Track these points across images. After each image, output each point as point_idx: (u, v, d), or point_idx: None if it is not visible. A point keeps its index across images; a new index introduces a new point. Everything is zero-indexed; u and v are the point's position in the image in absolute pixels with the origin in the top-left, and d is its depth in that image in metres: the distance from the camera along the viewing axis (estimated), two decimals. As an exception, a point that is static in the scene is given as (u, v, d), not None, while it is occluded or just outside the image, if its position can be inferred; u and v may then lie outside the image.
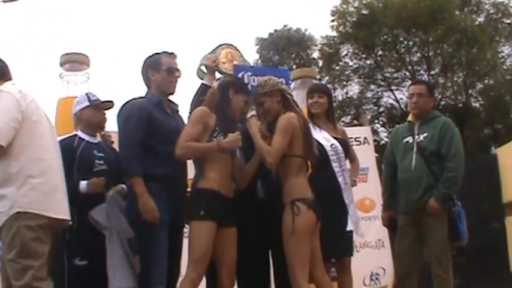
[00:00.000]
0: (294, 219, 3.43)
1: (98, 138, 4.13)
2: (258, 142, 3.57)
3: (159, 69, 3.75)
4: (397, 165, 4.50)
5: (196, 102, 3.96)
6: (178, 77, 3.81)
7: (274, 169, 3.67)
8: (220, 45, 4.99)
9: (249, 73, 4.59)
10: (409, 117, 4.65)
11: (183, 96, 4.10)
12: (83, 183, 3.73)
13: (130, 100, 3.71)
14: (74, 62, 6.56)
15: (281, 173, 3.62)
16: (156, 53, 3.83)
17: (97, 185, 3.74)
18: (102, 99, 4.11)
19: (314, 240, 3.56)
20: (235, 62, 4.92)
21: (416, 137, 4.41)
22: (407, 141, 4.45)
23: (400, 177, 4.45)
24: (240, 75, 4.53)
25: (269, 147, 3.52)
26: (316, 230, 3.57)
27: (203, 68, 4.54)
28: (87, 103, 4.05)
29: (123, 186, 3.73)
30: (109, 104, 4.12)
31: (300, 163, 3.64)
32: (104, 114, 4.12)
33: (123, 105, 3.69)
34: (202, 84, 4.14)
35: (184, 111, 3.98)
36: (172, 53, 3.84)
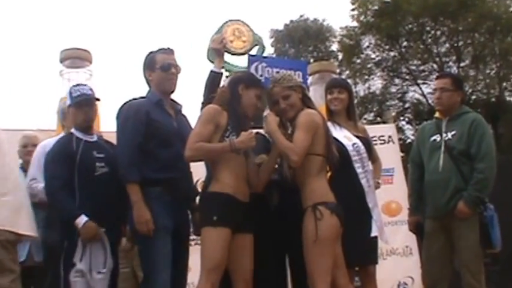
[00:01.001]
0: (317, 225, 3.43)
1: (95, 135, 4.10)
2: (279, 139, 3.56)
3: (154, 68, 3.86)
4: (423, 166, 4.52)
5: (207, 93, 4.03)
6: (176, 73, 3.88)
7: (289, 170, 3.70)
8: (225, 23, 4.94)
9: (264, 64, 4.62)
10: (436, 114, 4.65)
11: (191, 94, 4.16)
12: (80, 220, 3.71)
13: (129, 100, 3.78)
14: (75, 58, 6.66)
15: (300, 174, 3.63)
16: (151, 52, 3.92)
17: (90, 232, 3.73)
18: (103, 97, 4.19)
19: (337, 248, 3.57)
20: (243, 38, 4.89)
21: (444, 135, 4.42)
22: (435, 140, 4.46)
23: (427, 179, 4.46)
24: (253, 66, 4.58)
25: (293, 145, 3.52)
26: (339, 236, 3.58)
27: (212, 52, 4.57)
28: (68, 102, 4.06)
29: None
30: (89, 101, 4.03)
31: (321, 163, 3.66)
32: (88, 112, 4.02)
33: (121, 107, 3.76)
34: (211, 71, 4.19)
35: (190, 111, 4.06)
36: (168, 49, 3.91)
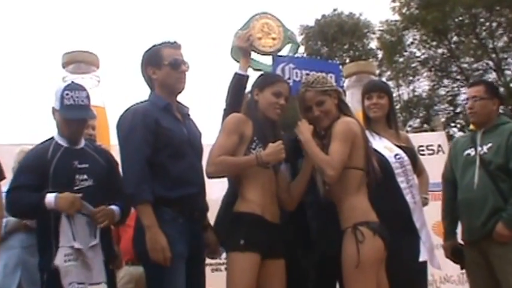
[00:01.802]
0: (358, 248, 3.43)
1: (83, 141, 3.97)
2: (314, 151, 3.59)
3: (161, 64, 3.75)
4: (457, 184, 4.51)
5: (231, 98, 4.07)
6: (186, 70, 3.79)
7: (324, 186, 3.72)
8: (253, 17, 4.78)
9: (291, 65, 4.58)
10: (471, 126, 4.66)
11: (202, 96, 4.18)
12: (50, 198, 3.56)
13: (132, 106, 3.69)
14: (80, 62, 6.73)
15: (337, 191, 3.64)
16: (155, 45, 3.83)
17: (70, 203, 3.57)
18: (112, 105, 4.18)
19: (380, 274, 3.55)
20: (273, 35, 4.76)
21: (479, 148, 4.42)
22: (469, 154, 4.46)
23: (460, 197, 4.47)
24: (279, 68, 4.54)
25: (329, 158, 3.53)
26: (383, 260, 3.56)
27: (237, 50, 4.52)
28: (57, 105, 3.84)
29: None
30: (82, 114, 3.88)
31: (361, 177, 3.67)
32: (79, 126, 3.90)
33: (123, 114, 3.66)
34: (235, 73, 4.22)
35: (198, 114, 4.04)
36: (174, 43, 3.83)
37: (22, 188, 3.65)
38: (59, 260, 3.54)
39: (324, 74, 3.94)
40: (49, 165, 3.68)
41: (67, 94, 3.80)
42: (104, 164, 3.89)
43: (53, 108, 3.87)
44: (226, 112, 3.99)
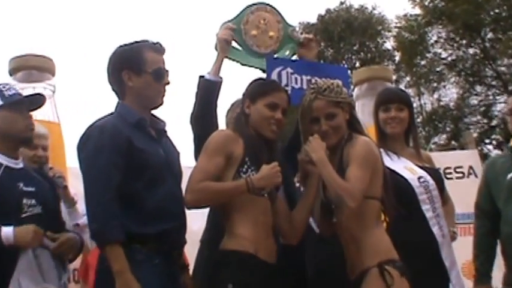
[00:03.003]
0: None
1: (21, 160, 3.93)
2: (332, 176, 3.58)
3: (142, 70, 3.71)
4: (496, 215, 4.53)
5: (200, 109, 4.10)
6: (168, 83, 3.80)
7: (324, 217, 3.77)
8: (248, 8, 4.70)
9: (289, 69, 4.57)
10: (511, 143, 4.71)
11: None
12: (7, 231, 3.53)
13: (96, 122, 3.65)
14: (32, 68, 6.72)
15: (351, 223, 3.65)
16: (134, 44, 3.81)
17: (33, 235, 3.56)
18: (69, 121, 4.19)
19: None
20: (271, 33, 4.70)
21: None
22: None
23: (505, 231, 4.48)
24: (275, 73, 4.52)
25: (349, 185, 3.53)
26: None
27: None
28: None
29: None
30: (38, 100, 3.99)
31: (379, 208, 3.71)
32: (29, 118, 3.93)
33: (87, 131, 3.63)
34: (200, 78, 4.23)
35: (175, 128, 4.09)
36: (159, 46, 3.81)
37: None
38: None
39: (338, 81, 3.94)
40: None
41: (4, 87, 3.87)
42: (49, 188, 3.89)
43: None
44: (193, 125, 4.07)
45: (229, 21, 4.57)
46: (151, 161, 3.60)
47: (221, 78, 4.28)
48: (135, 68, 3.70)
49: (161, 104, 3.80)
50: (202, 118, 4.12)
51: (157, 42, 3.82)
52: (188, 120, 4.24)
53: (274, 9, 4.75)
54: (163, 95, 3.79)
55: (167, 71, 3.80)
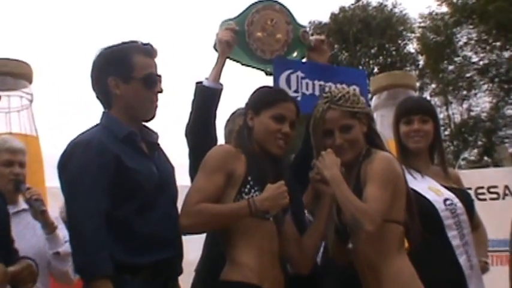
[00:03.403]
0: None
1: None
2: (348, 197, 3.50)
3: (130, 76, 3.60)
4: None
5: (195, 119, 4.01)
6: (161, 91, 3.68)
7: (339, 243, 3.73)
8: (253, 5, 4.53)
9: (299, 73, 4.47)
10: None
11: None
12: None
13: (79, 136, 3.56)
14: (5, 74, 6.63)
15: (370, 250, 3.57)
16: (121, 46, 3.71)
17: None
18: (48, 134, 4.18)
19: None
20: (278, 36, 4.53)
21: None
22: None
23: None
24: (283, 77, 4.43)
25: (367, 207, 3.43)
26: None
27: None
28: None
29: None
30: None
31: (402, 234, 3.65)
32: None
33: (69, 147, 3.53)
34: (197, 84, 4.12)
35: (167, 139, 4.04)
36: (149, 47, 3.71)
37: None
38: None
39: (355, 89, 3.90)
40: None
41: None
42: (4, 208, 3.71)
43: None
44: (188, 138, 4.04)
45: (230, 19, 4.42)
46: (144, 181, 3.48)
47: (221, 84, 4.16)
48: (123, 74, 3.59)
49: (153, 117, 3.69)
50: (200, 130, 4.04)
51: (148, 44, 3.70)
52: (183, 132, 4.16)
53: (285, 7, 4.58)
54: (156, 105, 3.68)
55: (160, 76, 3.69)
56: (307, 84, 4.42)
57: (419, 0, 45.00)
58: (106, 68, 3.62)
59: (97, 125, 3.63)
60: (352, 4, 24.32)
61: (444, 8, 22.21)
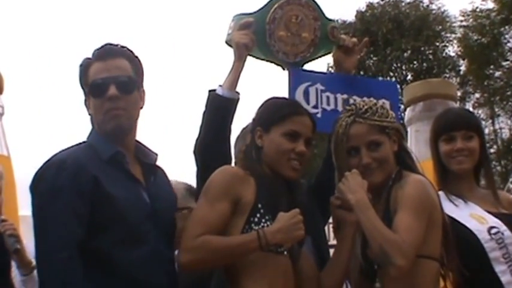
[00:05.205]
0: None
1: None
2: (374, 224, 3.52)
3: (86, 90, 3.72)
4: None
5: (207, 133, 4.03)
6: (116, 97, 3.59)
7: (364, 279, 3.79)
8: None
9: (319, 86, 4.51)
10: None
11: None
12: None
13: (56, 155, 3.60)
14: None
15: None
16: (87, 60, 3.74)
17: None
18: (21, 150, 4.22)
19: None
20: (304, 34, 4.54)
21: None
22: None
23: None
24: (300, 90, 4.48)
25: (398, 238, 3.44)
26: None
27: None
28: None
29: None
30: None
31: (437, 271, 3.67)
32: None
33: (42, 168, 3.56)
34: (210, 92, 4.14)
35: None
36: (102, 48, 3.72)
37: None
38: None
39: (385, 102, 3.96)
40: None
41: None
42: None
43: None
44: (196, 155, 4.05)
45: (244, 14, 4.42)
46: (126, 210, 3.50)
47: (238, 93, 4.18)
48: (85, 90, 3.72)
49: (120, 130, 3.65)
50: (211, 147, 4.04)
51: (105, 45, 3.73)
52: (191, 149, 4.17)
53: (313, 1, 4.60)
54: (112, 113, 3.61)
55: (114, 78, 3.62)
56: (328, 98, 4.46)
57: (462, -5, 44.94)
58: (80, 85, 3.74)
59: (83, 142, 3.68)
60: (382, 0, 24.27)
61: (490, 4, 22.19)
